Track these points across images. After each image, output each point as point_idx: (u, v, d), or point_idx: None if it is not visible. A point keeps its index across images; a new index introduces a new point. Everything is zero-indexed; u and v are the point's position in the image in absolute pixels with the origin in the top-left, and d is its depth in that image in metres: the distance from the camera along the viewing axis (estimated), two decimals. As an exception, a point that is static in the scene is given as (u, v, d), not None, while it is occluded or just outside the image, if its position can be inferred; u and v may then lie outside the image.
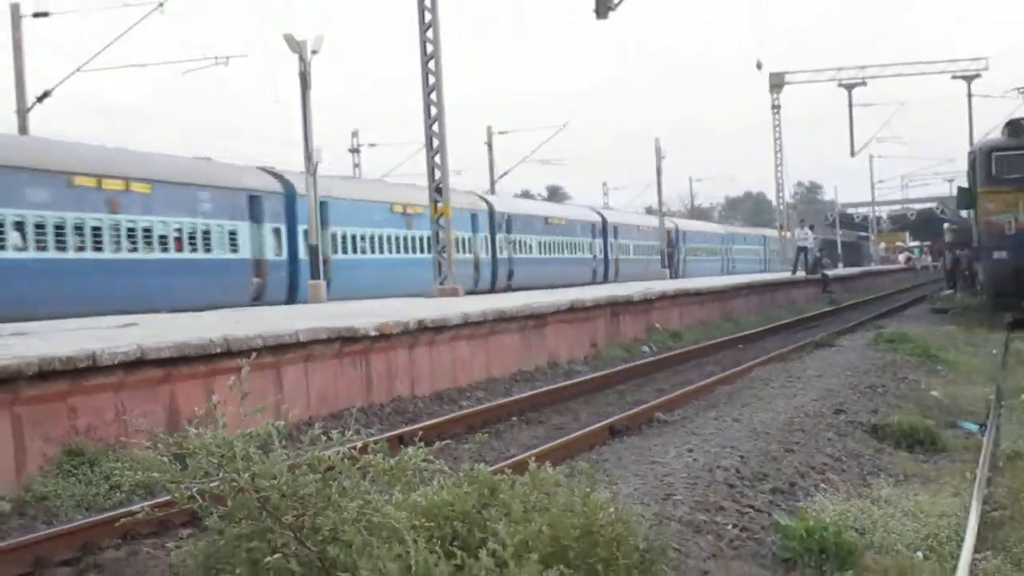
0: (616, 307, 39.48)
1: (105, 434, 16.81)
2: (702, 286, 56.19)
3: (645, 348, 37.49)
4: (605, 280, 77.60)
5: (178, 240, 43.64)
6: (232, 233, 46.65)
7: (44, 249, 38.93)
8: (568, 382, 27.72)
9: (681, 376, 28.89)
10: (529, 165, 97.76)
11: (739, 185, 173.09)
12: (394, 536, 7.23)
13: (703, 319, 45.53)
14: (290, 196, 49.92)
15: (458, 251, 49.56)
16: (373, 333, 24.43)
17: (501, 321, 30.68)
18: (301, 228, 49.12)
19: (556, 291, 49.97)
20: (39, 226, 38.81)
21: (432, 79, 40.22)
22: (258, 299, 45.21)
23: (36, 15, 47.55)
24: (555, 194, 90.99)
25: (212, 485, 7.66)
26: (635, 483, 14.24)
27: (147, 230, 42.20)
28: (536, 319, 32.97)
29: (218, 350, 19.37)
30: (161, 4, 47.59)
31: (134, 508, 13.02)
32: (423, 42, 40.29)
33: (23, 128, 45.95)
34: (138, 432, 16.53)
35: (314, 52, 44.52)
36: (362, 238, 55.07)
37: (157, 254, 42.86)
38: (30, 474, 15.69)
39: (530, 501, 7.75)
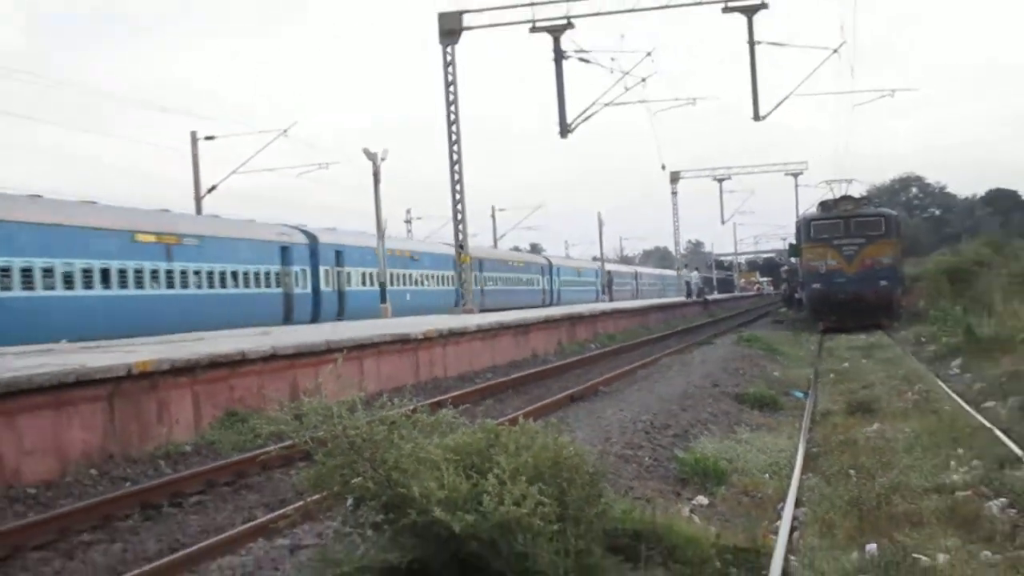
0: (574, 319, 38.54)
1: (251, 403, 16.82)
2: (628, 307, 55.50)
3: (592, 345, 36.31)
4: (546, 305, 68.65)
5: (223, 278, 38.09)
6: (267, 274, 40.98)
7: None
8: (544, 367, 27.14)
9: (616, 363, 28.36)
10: (518, 230, 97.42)
11: (652, 241, 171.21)
12: (434, 465, 6.82)
13: (629, 327, 45.09)
14: (313, 247, 44.16)
15: (260, 285, 40.59)
16: (420, 336, 24.36)
17: (501, 328, 30.21)
18: (323, 269, 44.09)
19: (535, 309, 48.53)
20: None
21: (457, 176, 39.54)
22: (288, 320, 39.94)
23: (207, 138, 47.81)
24: (534, 249, 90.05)
25: (318, 434, 7.24)
26: (586, 431, 14.18)
27: (196, 272, 36.82)
28: (524, 326, 32.47)
29: (322, 348, 19.20)
30: (285, 131, 47.26)
31: (269, 449, 13.39)
32: (451, 152, 39.51)
33: (198, 209, 46.14)
34: (271, 401, 16.98)
35: (382, 159, 44.16)
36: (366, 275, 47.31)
37: (205, 290, 37.37)
38: (203, 428, 15.82)
39: (520, 443, 7.25)
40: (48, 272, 30.04)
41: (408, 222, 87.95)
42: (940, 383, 21.16)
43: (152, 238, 35.08)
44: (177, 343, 20.36)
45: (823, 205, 48.72)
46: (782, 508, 10.67)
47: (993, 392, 18.78)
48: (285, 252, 42.57)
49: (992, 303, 30.81)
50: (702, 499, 11.39)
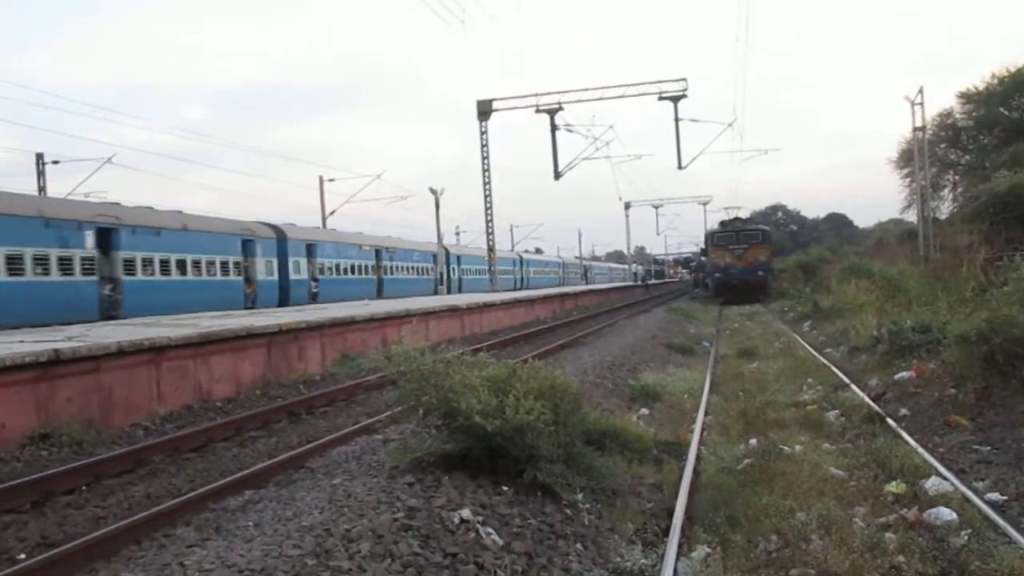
0: (564, 296, 38.32)
1: (358, 349, 16.70)
2: (597, 287, 55.61)
3: (575, 313, 36.08)
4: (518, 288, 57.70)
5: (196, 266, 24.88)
6: (231, 263, 26.57)
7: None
8: (544, 327, 27.11)
9: (589, 324, 28.39)
10: (528, 239, 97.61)
11: (612, 246, 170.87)
12: (474, 389, 6.73)
13: (598, 302, 45.00)
14: (281, 240, 30.03)
15: (220, 273, 25.95)
16: (464, 307, 24.21)
17: (516, 302, 30.04)
18: (291, 260, 30.35)
19: (539, 289, 47.88)
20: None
21: (488, 204, 39.37)
22: (252, 305, 26.88)
23: (330, 180, 46.93)
24: (537, 251, 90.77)
25: (401, 368, 7.14)
26: (571, 367, 14.03)
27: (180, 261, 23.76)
28: (531, 301, 32.29)
29: (403, 314, 19.12)
30: (379, 176, 47.13)
31: (369, 378, 13.46)
32: (484, 189, 39.45)
33: (323, 227, 44.03)
34: (370, 347, 17.02)
35: (441, 193, 44.14)
36: (335, 266, 33.74)
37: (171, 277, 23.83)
38: (327, 365, 15.74)
39: (529, 374, 7.14)
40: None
41: (457, 234, 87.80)
42: (797, 337, 21.19)
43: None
44: (308, 311, 20.43)
45: (722, 223, 48.74)
46: (696, 416, 10.70)
47: (830, 342, 18.81)
48: (311, 248, 31.64)
49: (830, 285, 30.77)
50: (645, 411, 11.40)
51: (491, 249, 40.15)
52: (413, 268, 42.53)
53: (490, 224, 39.33)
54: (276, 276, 29.47)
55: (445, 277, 43.79)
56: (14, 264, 18.39)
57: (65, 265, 19.74)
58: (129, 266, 21.96)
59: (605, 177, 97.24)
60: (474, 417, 6.51)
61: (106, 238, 21.21)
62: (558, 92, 38.11)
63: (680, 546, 5.83)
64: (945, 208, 42.15)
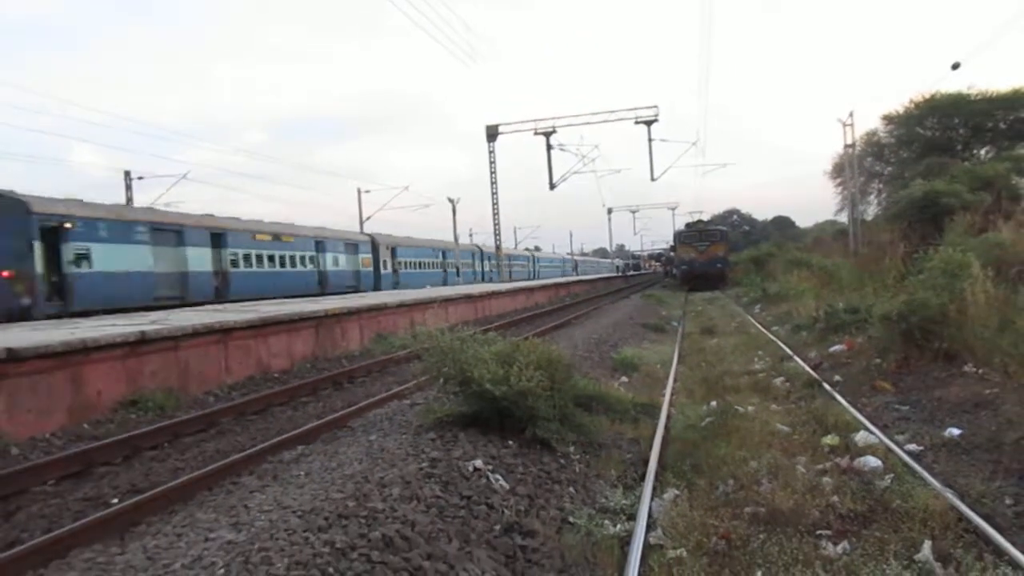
0: (558, 285, 38.19)
1: (390, 329, 16.65)
2: (587, 278, 55.57)
3: (567, 299, 36.30)
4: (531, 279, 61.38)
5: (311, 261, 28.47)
6: (340, 258, 30.38)
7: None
8: (542, 311, 27.00)
9: (579, 309, 28.24)
10: (528, 240, 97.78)
11: (597, 244, 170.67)
12: (485, 362, 6.69)
13: (586, 290, 44.89)
14: (375, 244, 34.74)
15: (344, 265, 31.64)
16: (477, 294, 24.21)
17: (520, 291, 30.06)
18: (381, 258, 34.97)
19: (538, 280, 48.16)
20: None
21: (495, 211, 39.42)
22: (356, 289, 30.99)
23: (366, 191, 47.12)
24: (537, 248, 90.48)
25: (424, 345, 7.16)
26: (564, 343, 13.86)
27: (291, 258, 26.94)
28: (531, 290, 32.23)
29: (427, 300, 19.03)
30: (406, 187, 47.19)
31: (399, 353, 13.47)
32: (492, 197, 39.58)
33: (361, 230, 44.10)
34: (400, 328, 17.00)
35: (457, 201, 44.03)
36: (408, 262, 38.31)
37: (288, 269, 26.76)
38: (364, 342, 15.63)
39: (530, 349, 7.09)
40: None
41: (470, 236, 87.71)
42: (750, 318, 21.08)
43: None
44: (350, 298, 20.40)
45: (687, 225, 48.38)
46: (667, 383, 10.66)
47: (777, 322, 18.72)
48: (394, 250, 37.15)
49: (776, 275, 30.66)
50: (625, 379, 11.37)
51: (498, 247, 40.10)
52: (466, 264, 48.05)
53: (497, 227, 39.29)
54: (371, 268, 34.44)
55: (483, 271, 49.69)
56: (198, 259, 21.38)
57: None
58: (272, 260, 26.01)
59: (591, 187, 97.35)
60: (485, 384, 6.52)
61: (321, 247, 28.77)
62: (552, 118, 38.04)
63: (654, 489, 5.82)
64: (871, 211, 42.00)
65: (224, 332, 11.43)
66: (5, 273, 14.90)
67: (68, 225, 16.29)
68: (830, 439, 6.98)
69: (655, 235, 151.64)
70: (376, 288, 31.87)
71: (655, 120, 36.09)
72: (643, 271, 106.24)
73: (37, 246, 15.50)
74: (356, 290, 30.57)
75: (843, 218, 45.17)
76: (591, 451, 6.87)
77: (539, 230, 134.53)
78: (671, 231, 73.26)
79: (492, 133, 38.18)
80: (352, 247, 32.37)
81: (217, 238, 22.45)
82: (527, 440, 6.55)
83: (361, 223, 44.90)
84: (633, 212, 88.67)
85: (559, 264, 77.94)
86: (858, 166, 36.14)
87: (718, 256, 44.27)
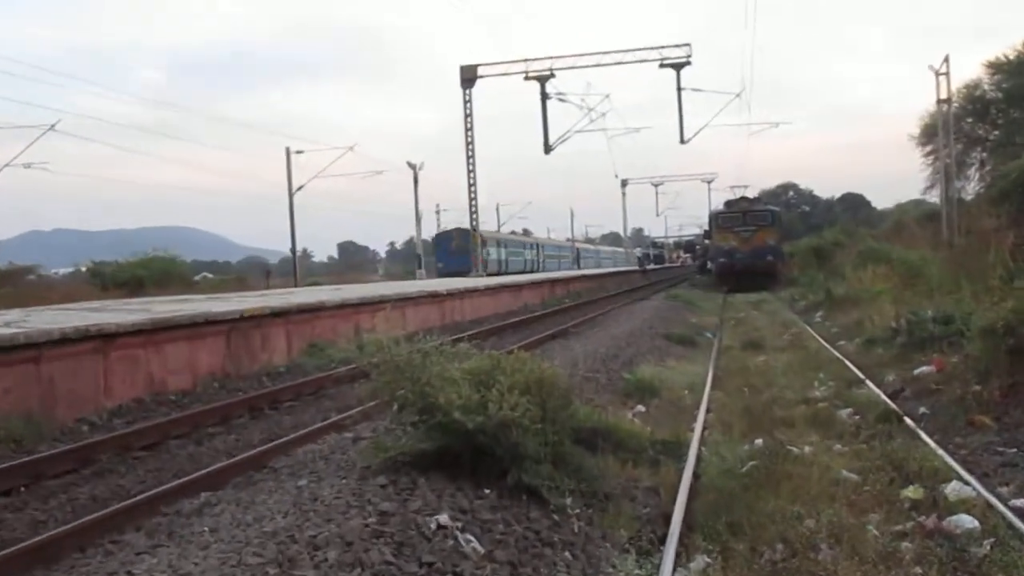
0: (553, 282, 38.54)
1: (328, 337, 16.77)
2: (590, 272, 55.71)
3: (566, 300, 36.37)
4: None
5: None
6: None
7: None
8: (532, 315, 27.13)
9: (582, 312, 28.53)
10: (514, 219, 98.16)
11: (607, 228, 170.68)
12: (454, 382, 6.73)
13: (591, 288, 44.93)
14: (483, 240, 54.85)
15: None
16: (444, 292, 24.29)
17: (502, 287, 30.30)
18: (486, 248, 55.59)
19: (526, 274, 48.93)
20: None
21: (472, 180, 39.39)
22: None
23: (297, 152, 46.98)
24: (525, 233, 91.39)
25: (373, 360, 7.19)
26: (561, 359, 13.79)
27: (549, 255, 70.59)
28: (518, 286, 32.55)
29: (377, 299, 19.06)
30: (351, 148, 46.95)
31: (339, 370, 13.44)
32: (467, 161, 39.57)
33: (290, 204, 45.67)
34: (341, 336, 16.97)
35: (420, 169, 44.16)
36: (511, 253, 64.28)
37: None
38: (293, 355, 15.65)
39: (515, 367, 7.13)
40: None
41: (437, 212, 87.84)
42: (808, 328, 21.22)
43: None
44: (273, 295, 20.34)
45: (727, 203, 48.64)
46: (697, 414, 10.69)
47: (844, 334, 18.87)
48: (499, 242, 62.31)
49: (844, 272, 30.87)
50: (641, 407, 11.38)
51: (475, 229, 40.16)
52: (554, 257, 74.93)
53: (474, 203, 39.37)
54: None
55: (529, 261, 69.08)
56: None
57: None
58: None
59: (600, 152, 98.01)
60: (453, 413, 6.49)
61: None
62: (550, 58, 38.13)
63: (678, 555, 5.83)
64: (971, 188, 42.38)
65: (103, 339, 11.37)
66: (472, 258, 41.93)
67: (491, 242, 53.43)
68: (912, 491, 7.02)
69: (684, 216, 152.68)
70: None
71: (686, 63, 36.32)
72: (668, 264, 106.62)
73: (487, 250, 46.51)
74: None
75: (933, 197, 45.63)
76: (595, 504, 6.88)
77: (530, 208, 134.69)
78: (705, 211, 73.60)
79: (469, 77, 38.21)
80: None
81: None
82: (509, 488, 6.55)
83: (290, 193, 44.77)
84: (656, 185, 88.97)
85: (567, 253, 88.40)
86: (955, 128, 36.42)
87: (767, 245, 44.53)
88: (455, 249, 58.04)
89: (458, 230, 60.66)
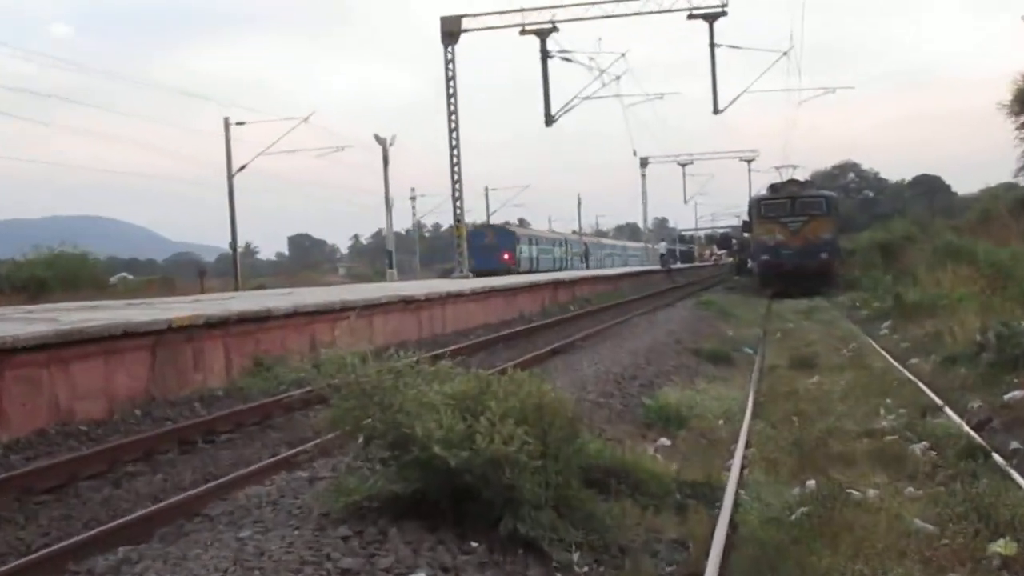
0: (556, 284, 38.50)
1: (276, 353, 16.76)
2: (604, 274, 55.68)
3: (572, 307, 36.16)
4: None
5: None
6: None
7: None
8: (529, 325, 27.11)
9: (591, 322, 28.35)
10: (508, 207, 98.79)
11: (623, 218, 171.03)
12: (434, 409, 6.76)
13: (603, 291, 44.94)
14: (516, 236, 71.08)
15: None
16: (422, 297, 24.31)
17: (492, 291, 30.22)
18: (518, 247, 69.90)
19: (521, 276, 48.97)
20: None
21: (455, 159, 39.40)
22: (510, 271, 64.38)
23: (238, 123, 47.18)
24: (523, 224, 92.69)
25: (334, 381, 7.25)
26: (565, 380, 13.99)
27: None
28: (512, 290, 32.51)
29: (338, 307, 19.13)
30: (307, 119, 46.86)
31: (291, 393, 13.27)
32: (450, 137, 39.54)
33: (229, 186, 46.00)
34: (293, 352, 16.95)
35: (391, 144, 44.16)
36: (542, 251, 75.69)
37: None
38: (234, 375, 15.68)
39: (508, 390, 7.17)
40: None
41: (412, 198, 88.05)
42: (871, 342, 21.26)
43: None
44: (211, 302, 20.33)
45: (772, 187, 48.71)
46: (734, 448, 10.70)
47: (917, 350, 18.88)
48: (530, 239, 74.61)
49: (917, 273, 30.92)
50: (665, 440, 11.42)
51: (458, 219, 40.14)
52: (580, 255, 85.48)
53: (457, 185, 39.39)
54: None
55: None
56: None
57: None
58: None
59: (614, 124, 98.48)
60: (433, 447, 6.51)
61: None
62: (551, 7, 38.17)
63: (711, 625, 5.84)
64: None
65: (-4, 355, 11.34)
66: (507, 256, 64.58)
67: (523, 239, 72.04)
68: (1002, 546, 7.02)
69: (718, 204, 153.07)
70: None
71: (721, 13, 36.46)
72: (701, 262, 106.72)
73: (520, 248, 67.57)
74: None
75: (1028, 181, 45.68)
76: (607, 559, 6.89)
77: (529, 194, 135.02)
78: (744, 198, 73.68)
79: (451, 30, 38.25)
80: None
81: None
82: (502, 540, 6.56)
83: (230, 175, 44.76)
84: (683, 165, 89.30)
85: (618, 251, 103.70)
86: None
87: (821, 240, 44.60)
88: (487, 246, 66.43)
89: (491, 226, 75.57)
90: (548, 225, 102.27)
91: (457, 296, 26.94)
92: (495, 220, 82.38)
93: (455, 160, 39.09)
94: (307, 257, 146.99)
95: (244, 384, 15.40)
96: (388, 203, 45.41)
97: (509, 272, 60.06)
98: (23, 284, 35.33)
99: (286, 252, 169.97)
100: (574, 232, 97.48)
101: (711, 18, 36.61)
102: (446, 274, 50.65)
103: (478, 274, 55.08)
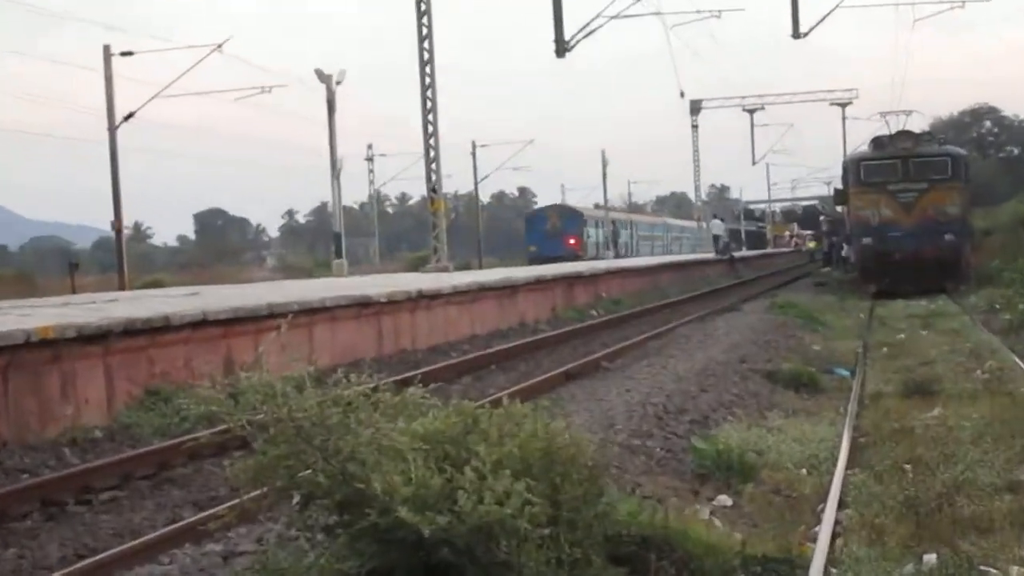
0: (571, 280, 38.52)
1: (177, 378, 16.68)
2: (637, 265, 55.68)
3: (594, 312, 36.21)
4: None
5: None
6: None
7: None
8: (534, 338, 27.22)
9: (621, 333, 28.33)
10: (504, 171, 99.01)
11: (666, 186, 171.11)
12: (399, 456, 6.82)
13: (638, 289, 44.94)
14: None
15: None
16: (383, 299, 24.21)
17: (483, 290, 30.08)
18: (586, 229, 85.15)
19: (524, 268, 49.12)
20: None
21: (430, 105, 39.40)
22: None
23: (123, 54, 47.13)
24: (524, 193, 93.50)
25: (258, 417, 7.23)
26: (585, 415, 14.15)
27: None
28: (510, 288, 32.26)
29: (264, 313, 19.13)
30: (220, 47, 46.84)
31: (198, 435, 13.23)
32: (423, 73, 39.45)
33: (112, 143, 45.93)
34: (201, 376, 16.94)
35: (338, 83, 44.11)
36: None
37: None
38: (117, 409, 15.65)
39: (504, 429, 7.29)
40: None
41: (369, 159, 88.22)
42: (1017, 360, 21.23)
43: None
44: (87, 306, 20.30)
45: (876, 142, 48.41)
46: (822, 510, 10.72)
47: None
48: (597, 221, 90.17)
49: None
50: (725, 499, 11.44)
51: (434, 189, 40.16)
52: (647, 237, 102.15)
53: (433, 141, 39.32)
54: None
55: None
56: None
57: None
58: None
59: (652, 54, 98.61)
60: (397, 509, 6.54)
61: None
62: None
63: None
64: None
65: None
66: (572, 240, 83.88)
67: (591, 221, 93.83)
68: None
69: (800, 166, 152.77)
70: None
71: None
72: (774, 248, 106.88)
73: (586, 231, 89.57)
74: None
75: None
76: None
77: (532, 152, 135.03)
78: (837, 158, 73.68)
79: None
80: None
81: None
82: (496, 640, 6.57)
83: (112, 126, 44.82)
84: (750, 112, 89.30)
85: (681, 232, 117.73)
86: None
87: (945, 216, 44.55)
88: (551, 231, 76.27)
89: (556, 207, 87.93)
90: (561, 196, 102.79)
91: (433, 297, 26.85)
92: (487, 188, 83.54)
93: (429, 106, 39.07)
94: (222, 242, 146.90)
95: (133, 421, 15.38)
96: (335, 165, 45.21)
97: (577, 259, 68.12)
98: None
99: (192, 235, 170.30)
100: (597, 206, 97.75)
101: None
102: (418, 266, 50.64)
103: (539, 262, 58.20)
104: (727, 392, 17.79)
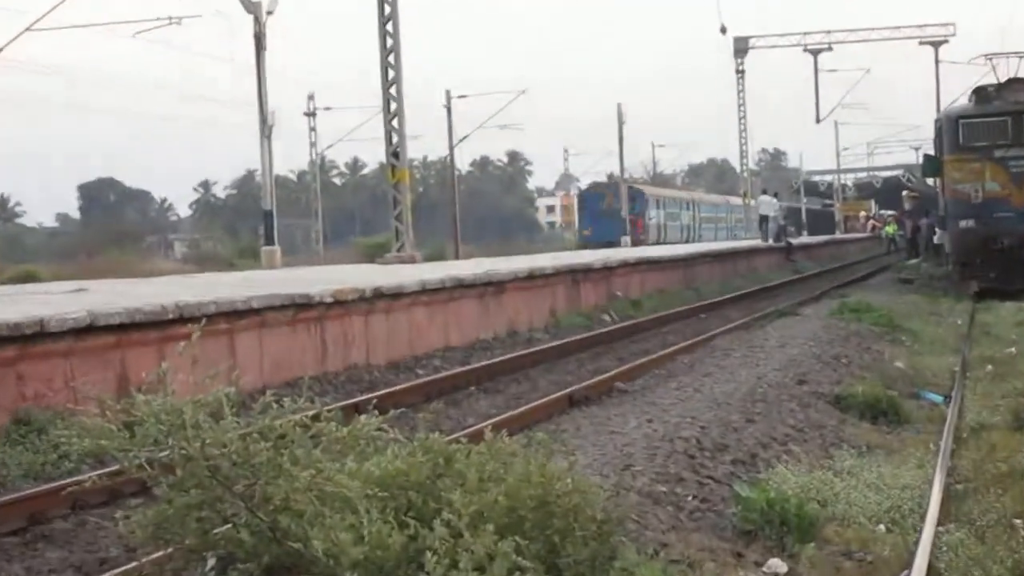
0: (576, 274, 38.60)
1: (54, 401, 16.66)
2: (663, 254, 55.64)
3: (606, 316, 36.58)
4: None
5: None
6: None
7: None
8: (527, 350, 27.40)
9: (642, 345, 28.40)
10: (488, 130, 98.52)
11: (703, 151, 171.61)
12: (347, 506, 7.02)
13: (664, 287, 45.12)
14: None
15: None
16: (328, 299, 24.20)
17: (460, 287, 30.23)
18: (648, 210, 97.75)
19: (515, 260, 49.15)
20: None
21: (390, 41, 39.37)
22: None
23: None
24: (515, 159, 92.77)
25: (162, 453, 7.53)
26: (593, 453, 14.13)
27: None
28: (496, 285, 32.19)
29: (170, 316, 19.25)
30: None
31: (82, 478, 13.32)
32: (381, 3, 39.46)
33: None
34: (87, 400, 16.96)
35: (269, 13, 44.05)
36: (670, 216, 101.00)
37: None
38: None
39: (486, 471, 7.49)
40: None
41: (311, 114, 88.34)
42: None
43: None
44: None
45: (979, 95, 48.35)
46: (907, 580, 10.83)
47: None
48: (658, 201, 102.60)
49: None
50: (778, 564, 11.43)
51: (395, 153, 40.26)
52: (711, 220, 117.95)
53: (394, 90, 39.41)
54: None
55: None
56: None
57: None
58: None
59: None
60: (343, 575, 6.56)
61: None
62: None
63: None
64: None
65: None
66: (635, 222, 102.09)
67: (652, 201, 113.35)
68: None
69: (877, 128, 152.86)
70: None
71: None
72: (844, 233, 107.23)
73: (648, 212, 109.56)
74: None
75: None
76: None
77: (523, 105, 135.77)
78: (929, 114, 73.67)
79: None
80: None
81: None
82: None
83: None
84: (813, 53, 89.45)
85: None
86: None
87: (1072, 189, 44.55)
88: (606, 210, 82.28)
89: (612, 184, 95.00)
90: (564, 164, 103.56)
91: (394, 297, 26.85)
92: (466, 153, 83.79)
93: (390, 44, 39.18)
94: (115, 223, 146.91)
95: (-3, 460, 15.54)
96: (265, 121, 45.11)
97: (638, 244, 77.16)
98: None
99: (76, 214, 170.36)
100: (611, 177, 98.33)
101: None
102: (375, 255, 50.57)
103: (595, 247, 59.15)
104: (781, 423, 17.74)
